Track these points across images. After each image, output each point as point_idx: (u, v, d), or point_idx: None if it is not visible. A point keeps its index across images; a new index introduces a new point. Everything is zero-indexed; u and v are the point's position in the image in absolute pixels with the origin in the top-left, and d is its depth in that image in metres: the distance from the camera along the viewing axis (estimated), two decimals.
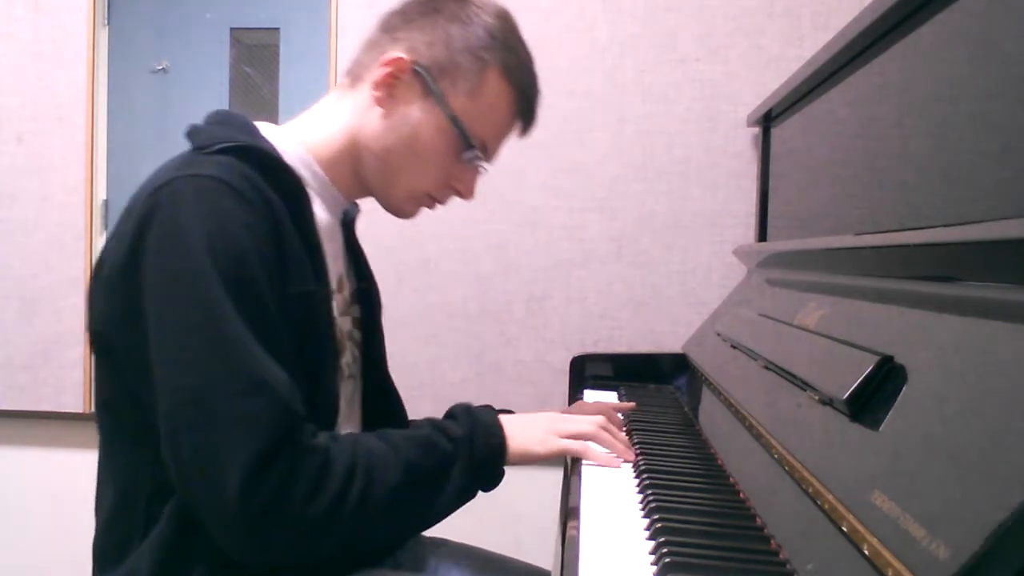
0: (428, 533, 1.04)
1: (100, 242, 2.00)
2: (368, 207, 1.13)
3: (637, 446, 1.06)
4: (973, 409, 0.56)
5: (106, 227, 2.00)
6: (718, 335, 1.42)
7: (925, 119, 0.93)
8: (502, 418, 0.98)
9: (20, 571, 2.05)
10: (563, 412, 1.22)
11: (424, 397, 1.83)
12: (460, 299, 1.90)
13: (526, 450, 0.96)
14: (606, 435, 1.01)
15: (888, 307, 0.81)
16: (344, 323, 1.06)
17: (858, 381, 0.71)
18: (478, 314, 1.89)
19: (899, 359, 0.69)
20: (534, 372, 1.89)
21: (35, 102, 1.98)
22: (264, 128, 0.99)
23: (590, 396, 1.48)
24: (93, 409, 1.89)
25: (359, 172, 1.03)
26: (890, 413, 0.65)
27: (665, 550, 0.69)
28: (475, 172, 1.05)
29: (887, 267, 0.87)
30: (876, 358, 0.71)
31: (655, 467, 0.97)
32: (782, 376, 0.95)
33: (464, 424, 0.95)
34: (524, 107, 1.04)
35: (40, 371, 1.96)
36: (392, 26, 1.02)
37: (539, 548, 1.34)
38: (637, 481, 0.93)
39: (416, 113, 0.99)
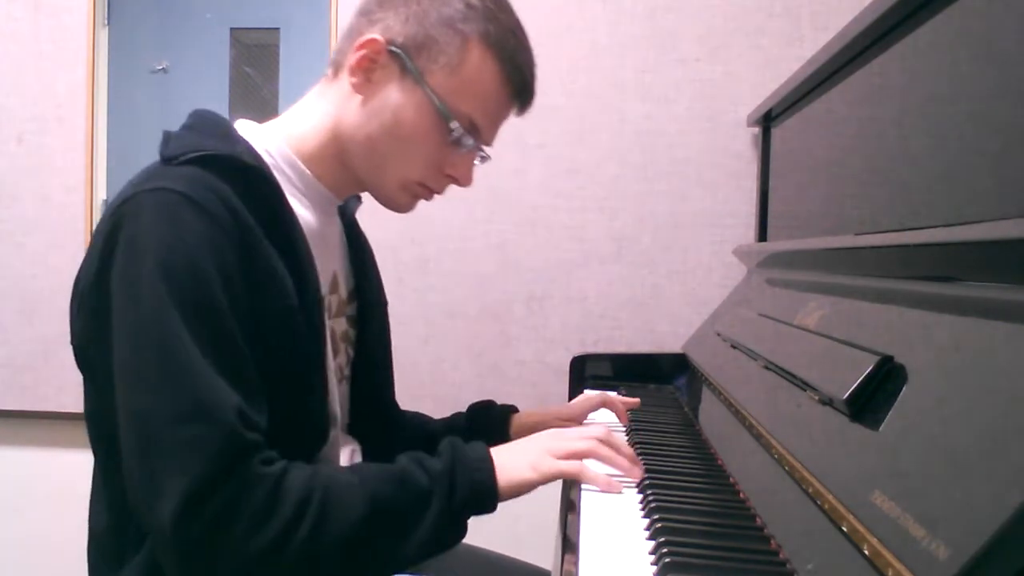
0: None
1: None
2: (367, 206, 1.13)
3: (637, 446, 1.06)
4: (973, 409, 0.56)
5: None
6: (718, 335, 1.42)
7: (925, 119, 0.93)
8: (494, 449, 0.90)
9: (20, 571, 2.05)
10: (563, 409, 1.22)
11: (424, 397, 1.83)
12: (460, 299, 1.90)
13: (519, 480, 0.88)
14: (606, 451, 0.92)
15: (888, 307, 0.81)
16: (338, 324, 1.04)
17: (858, 381, 0.71)
18: (478, 314, 1.89)
19: (899, 359, 0.69)
20: (534, 372, 1.89)
21: (35, 102, 1.98)
22: (244, 128, 0.96)
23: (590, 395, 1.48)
24: None
25: (347, 165, 0.98)
26: (890, 413, 0.65)
27: (665, 550, 0.69)
28: (470, 156, 0.99)
29: (887, 267, 0.87)
30: (876, 358, 0.70)
31: (655, 467, 0.96)
32: (782, 376, 0.95)
33: (447, 459, 0.86)
34: (514, 79, 0.97)
35: (40, 371, 1.96)
36: (368, 10, 0.97)
37: (539, 548, 1.33)
38: (637, 481, 0.93)
39: (396, 95, 0.94)
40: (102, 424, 0.89)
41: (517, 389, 1.88)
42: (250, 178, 0.88)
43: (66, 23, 1.97)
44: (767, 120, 1.69)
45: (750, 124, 1.78)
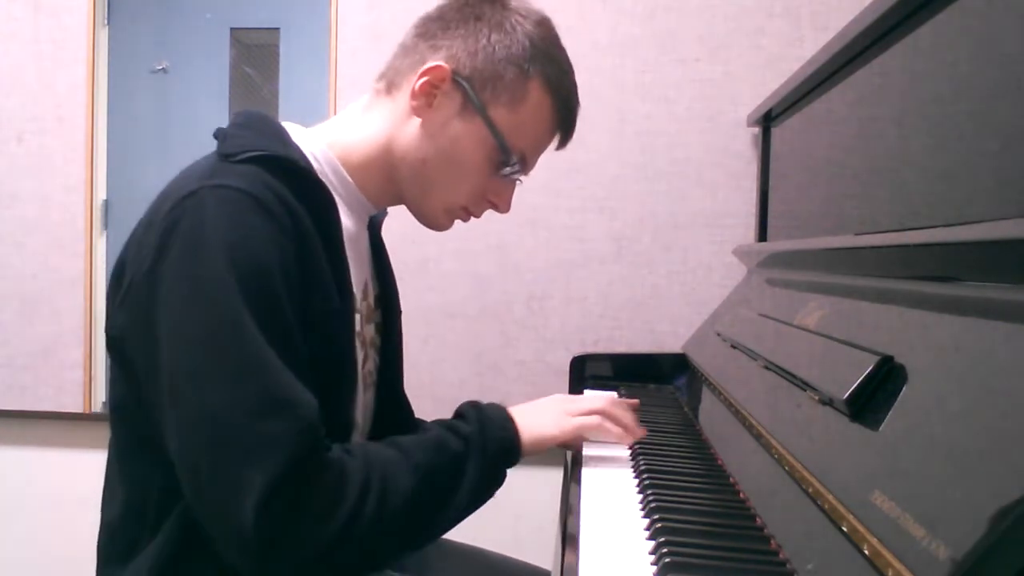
0: None
1: (100, 242, 2.00)
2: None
3: (637, 446, 1.06)
4: (973, 409, 0.56)
5: (106, 227, 2.00)
6: (718, 335, 1.42)
7: (925, 119, 0.93)
8: (512, 409, 0.97)
9: (20, 570, 2.05)
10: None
11: (424, 397, 1.82)
12: (460, 299, 1.90)
13: (540, 436, 0.95)
14: (617, 411, 1.02)
15: (888, 307, 0.81)
16: (368, 331, 1.05)
17: (858, 381, 0.71)
18: (478, 314, 1.89)
19: (899, 359, 0.69)
20: (534, 372, 1.89)
21: (35, 102, 1.98)
22: (292, 130, 0.97)
23: (590, 395, 1.48)
24: (95, 408, 1.90)
25: (394, 180, 1.00)
26: (890, 413, 0.65)
27: (665, 550, 0.69)
28: (512, 185, 1.03)
29: (887, 267, 0.87)
30: (876, 358, 0.71)
31: (655, 467, 0.97)
32: (782, 376, 0.95)
33: (473, 421, 0.93)
34: (564, 118, 1.01)
35: (40, 371, 1.96)
36: (431, 33, 0.98)
37: (539, 548, 1.34)
38: (637, 481, 0.93)
39: (456, 124, 0.96)
40: (131, 415, 0.90)
41: (517, 389, 1.88)
42: (305, 181, 0.90)
43: (66, 23, 1.97)
44: (767, 120, 1.69)
45: (750, 124, 1.78)
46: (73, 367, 1.93)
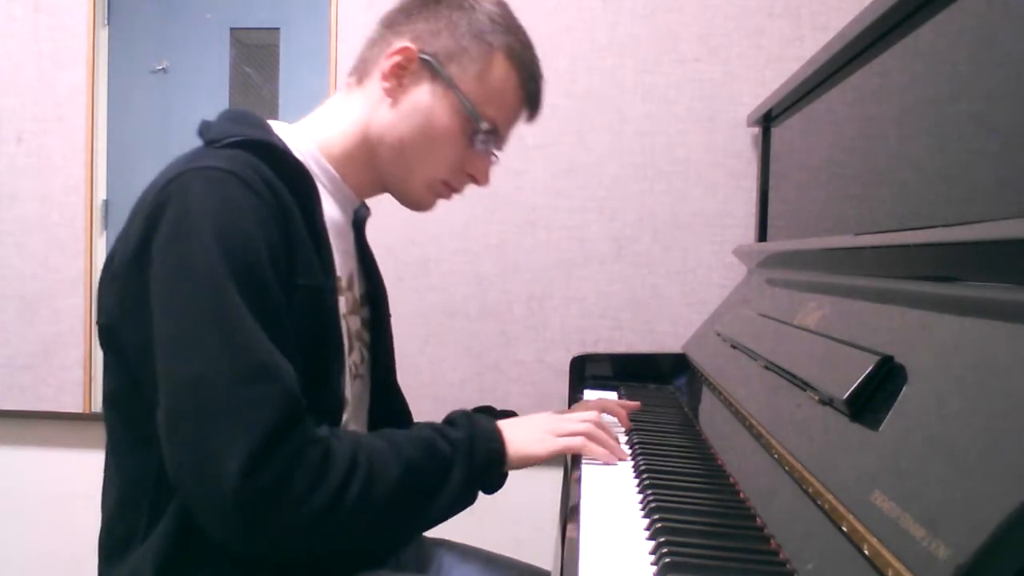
0: (430, 533, 1.04)
1: (100, 242, 2.00)
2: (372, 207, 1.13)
3: (637, 446, 1.06)
4: (973, 409, 0.56)
5: (106, 227, 2.00)
6: (718, 335, 1.42)
7: (925, 119, 0.93)
8: (500, 424, 0.98)
9: (20, 570, 2.05)
10: (560, 412, 1.23)
11: (424, 397, 1.83)
12: (460, 299, 1.90)
13: (526, 453, 0.97)
14: (600, 433, 1.02)
15: (888, 307, 0.81)
16: (353, 322, 1.06)
17: (858, 381, 0.71)
18: (478, 314, 1.89)
19: (899, 359, 0.69)
20: (534, 372, 1.89)
21: (35, 102, 1.98)
22: (275, 126, 1.00)
23: (590, 396, 1.48)
24: (95, 408, 1.90)
25: (374, 167, 1.03)
26: (890, 413, 0.65)
27: (665, 550, 0.69)
28: (488, 157, 1.06)
29: (887, 267, 0.87)
30: (876, 358, 0.71)
31: (655, 467, 0.97)
32: (782, 376, 0.95)
33: (463, 429, 0.95)
34: (530, 90, 1.05)
35: (40, 371, 1.96)
36: (394, 21, 1.03)
37: (539, 548, 1.34)
38: (637, 481, 0.93)
39: (427, 99, 1.00)
40: (125, 401, 0.91)
41: (517, 389, 1.88)
42: (286, 164, 0.93)
43: (66, 23, 1.97)
44: (767, 120, 1.69)
45: (750, 124, 1.78)
46: (73, 367, 1.93)
